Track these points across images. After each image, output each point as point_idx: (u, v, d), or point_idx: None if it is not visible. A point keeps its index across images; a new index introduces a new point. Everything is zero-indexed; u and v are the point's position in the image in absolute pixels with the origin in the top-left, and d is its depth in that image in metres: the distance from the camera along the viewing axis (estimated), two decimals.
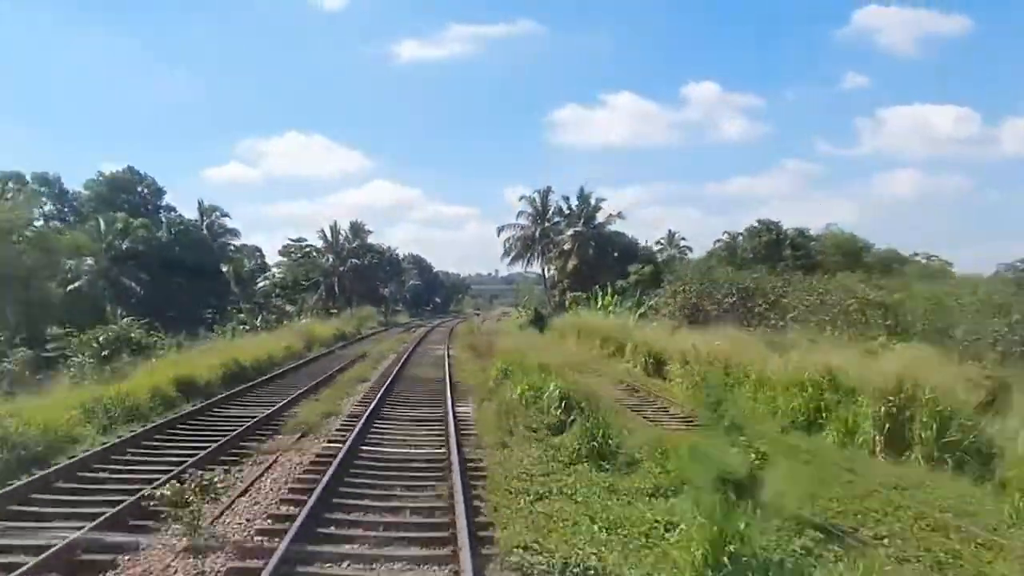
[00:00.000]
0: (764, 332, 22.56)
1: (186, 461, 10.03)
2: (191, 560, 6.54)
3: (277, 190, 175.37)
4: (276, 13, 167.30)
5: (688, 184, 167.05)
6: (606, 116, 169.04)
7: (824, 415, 12.75)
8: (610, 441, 10.69)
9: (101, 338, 21.83)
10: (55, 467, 9.70)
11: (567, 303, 48.09)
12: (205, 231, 60.44)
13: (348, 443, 11.27)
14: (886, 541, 7.67)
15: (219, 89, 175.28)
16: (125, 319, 40.17)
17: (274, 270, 75.12)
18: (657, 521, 7.50)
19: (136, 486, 8.62)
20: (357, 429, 12.41)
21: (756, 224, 52.64)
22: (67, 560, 6.45)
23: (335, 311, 57.93)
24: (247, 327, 44.53)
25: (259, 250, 76.66)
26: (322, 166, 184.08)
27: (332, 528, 7.54)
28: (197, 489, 7.27)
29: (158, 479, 8.59)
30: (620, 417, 13.43)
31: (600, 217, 56.08)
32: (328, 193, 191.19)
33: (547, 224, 59.50)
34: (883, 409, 11.15)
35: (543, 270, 61.91)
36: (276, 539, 6.95)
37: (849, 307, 19.67)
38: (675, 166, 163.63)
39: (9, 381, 24.33)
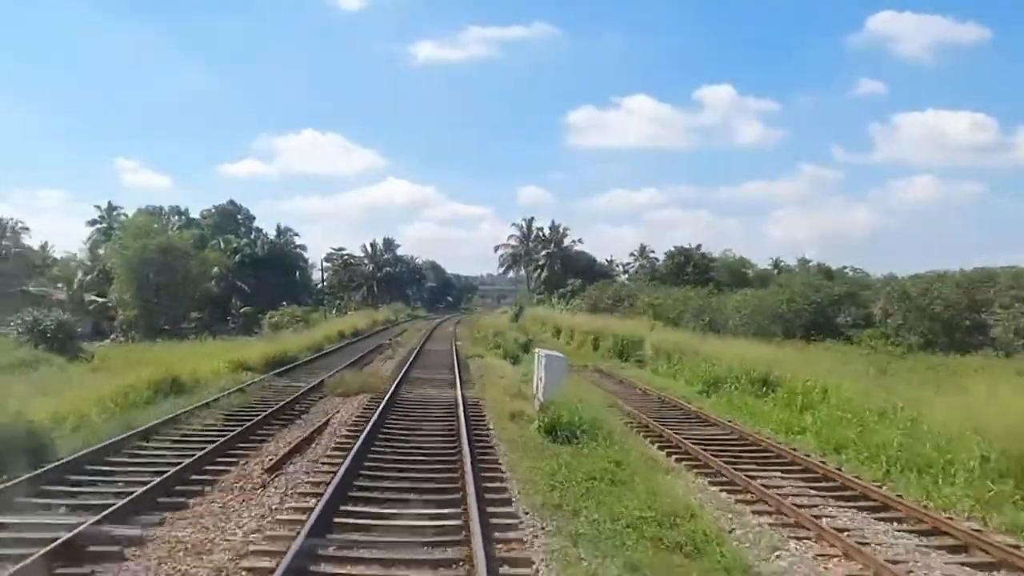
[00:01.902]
0: (619, 316, 45.11)
1: (377, 345, 32.95)
2: (393, 356, 29.49)
3: (292, 187, 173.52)
4: (294, 12, 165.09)
5: (703, 187, 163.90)
6: (621, 118, 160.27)
7: (586, 341, 35.52)
8: (502, 345, 33.42)
9: (289, 314, 44.82)
10: (340, 346, 32.73)
11: (536, 302, 70.92)
12: (283, 246, 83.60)
13: (420, 346, 34.11)
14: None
15: (238, 86, 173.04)
16: (243, 308, 63.83)
17: (324, 274, 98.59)
18: (502, 353, 30.30)
19: (365, 349, 31.59)
20: (420, 345, 35.24)
21: (673, 249, 74.94)
22: (362, 360, 29.37)
23: (379, 306, 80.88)
24: (329, 314, 67.75)
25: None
26: (337, 164, 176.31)
27: (427, 347, 30.38)
28: (390, 344, 30.26)
29: (374, 346, 31.56)
30: (515, 342, 36.17)
31: (566, 242, 78.93)
32: (343, 191, 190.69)
33: (530, 245, 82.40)
34: (593, 336, 33.95)
35: (527, 278, 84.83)
36: (413, 355, 29.74)
37: (638, 305, 42.22)
38: (690, 169, 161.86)
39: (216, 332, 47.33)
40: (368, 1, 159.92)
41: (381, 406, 14.80)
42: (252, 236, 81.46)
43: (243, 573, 6.41)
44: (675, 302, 42.30)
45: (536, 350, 17.21)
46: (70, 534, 6.72)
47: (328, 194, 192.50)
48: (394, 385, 18.26)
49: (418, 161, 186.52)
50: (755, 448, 12.78)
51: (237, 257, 73.31)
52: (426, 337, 41.88)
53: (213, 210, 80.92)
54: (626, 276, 77.85)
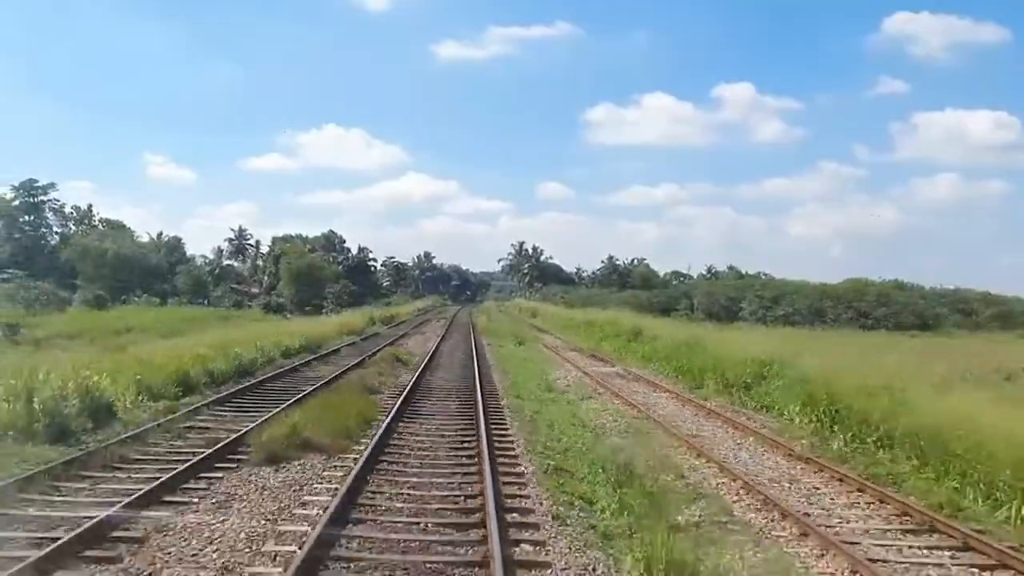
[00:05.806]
0: (551, 303, 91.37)
1: (438, 313, 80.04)
2: (445, 315, 76.56)
3: (314, 180, 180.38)
4: (321, 12, 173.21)
5: (724, 185, 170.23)
6: (640, 115, 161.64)
7: (523, 312, 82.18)
8: (488, 313, 80.00)
9: (389, 302, 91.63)
10: (422, 312, 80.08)
11: (520, 296, 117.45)
12: (363, 260, 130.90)
13: (455, 314, 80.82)
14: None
15: (264, 83, 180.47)
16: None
17: (384, 276, 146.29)
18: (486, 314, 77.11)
19: (434, 313, 78.68)
20: (454, 314, 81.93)
21: (607, 261, 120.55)
22: (437, 314, 76.43)
23: (423, 297, 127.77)
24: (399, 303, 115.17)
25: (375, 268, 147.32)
26: (360, 158, 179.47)
27: (459, 314, 77.20)
28: (443, 312, 77.35)
29: (437, 313, 78.73)
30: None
31: (542, 258, 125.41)
32: (364, 185, 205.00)
33: (520, 259, 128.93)
34: (534, 313, 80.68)
35: (519, 281, 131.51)
36: (454, 315, 76.39)
37: (561, 298, 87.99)
38: (710, 166, 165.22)
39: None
40: (393, 2, 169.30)
41: (450, 320, 61.38)
42: (345, 253, 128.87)
43: (447, 322, 53.24)
44: (575, 297, 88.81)
45: (490, 305, 64.04)
46: (406, 328, 53.90)
47: (350, 189, 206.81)
48: (451, 319, 64.87)
49: (439, 157, 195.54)
50: (542, 331, 59.27)
51: (340, 267, 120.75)
52: (457, 311, 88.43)
53: (320, 235, 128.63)
54: (591, 279, 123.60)
